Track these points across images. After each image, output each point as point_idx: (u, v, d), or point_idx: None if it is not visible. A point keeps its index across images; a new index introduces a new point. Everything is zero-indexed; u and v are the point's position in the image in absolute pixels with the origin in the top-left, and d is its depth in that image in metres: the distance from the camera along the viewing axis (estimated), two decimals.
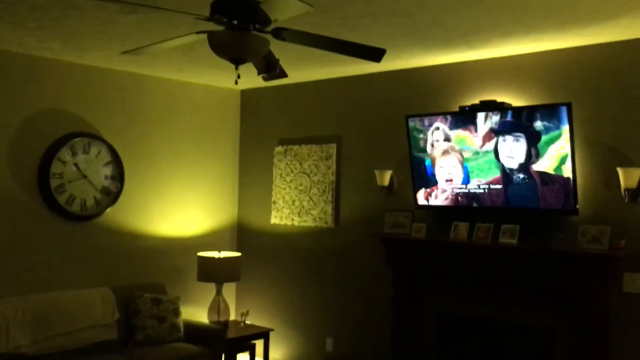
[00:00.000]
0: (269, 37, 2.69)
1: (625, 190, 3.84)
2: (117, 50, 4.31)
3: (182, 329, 5.02)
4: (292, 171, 5.75)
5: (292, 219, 5.71)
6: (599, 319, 3.89)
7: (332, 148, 5.45)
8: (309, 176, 5.61)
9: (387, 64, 4.76)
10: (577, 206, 3.96)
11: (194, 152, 5.87)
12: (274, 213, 5.87)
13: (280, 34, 2.67)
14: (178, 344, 4.92)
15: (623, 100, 3.93)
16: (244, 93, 6.25)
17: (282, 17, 2.48)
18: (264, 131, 6.05)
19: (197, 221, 5.88)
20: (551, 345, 4.12)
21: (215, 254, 5.49)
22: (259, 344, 5.43)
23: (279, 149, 5.87)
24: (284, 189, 5.80)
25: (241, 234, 6.16)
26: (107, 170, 5.17)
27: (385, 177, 4.95)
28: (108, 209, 5.18)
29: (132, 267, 5.34)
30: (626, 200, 3.85)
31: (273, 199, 5.89)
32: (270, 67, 2.76)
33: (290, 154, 5.76)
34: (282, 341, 5.65)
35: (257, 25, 2.64)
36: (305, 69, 5.04)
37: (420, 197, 4.67)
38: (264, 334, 5.41)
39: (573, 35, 3.86)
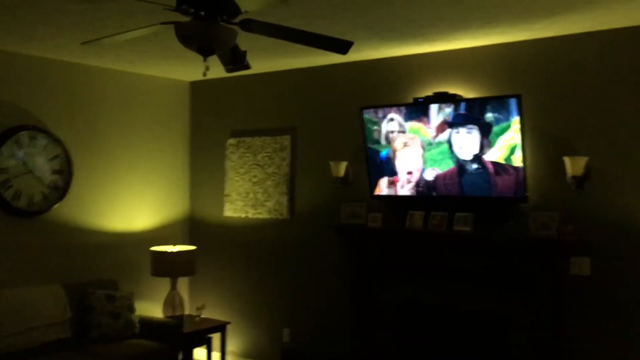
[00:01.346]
0: (236, 28, 2.68)
1: (571, 178, 4.03)
2: (68, 40, 4.18)
3: (137, 325, 4.94)
4: (245, 163, 5.73)
5: (247, 212, 5.69)
6: (550, 301, 4.09)
7: (287, 140, 5.46)
8: (263, 168, 5.61)
9: (343, 56, 4.80)
10: (527, 194, 4.13)
11: (144, 145, 5.76)
12: (227, 206, 5.84)
13: (248, 25, 2.66)
14: (134, 340, 4.84)
15: (569, 92, 4.12)
16: (194, 84, 6.18)
17: (254, 7, 2.47)
18: (215, 123, 6.00)
19: (148, 215, 5.78)
20: (507, 329, 4.28)
21: (169, 248, 5.42)
22: (216, 338, 5.41)
23: (231, 141, 5.83)
24: (237, 181, 5.77)
25: (194, 227, 6.10)
26: (55, 165, 5.02)
27: (341, 168, 5.00)
28: (56, 204, 5.03)
29: (83, 264, 5.21)
30: (573, 187, 4.04)
31: (226, 191, 5.85)
32: (237, 59, 2.75)
33: (244, 146, 5.74)
34: (239, 334, 5.65)
35: (224, 17, 2.62)
36: (259, 60, 5.02)
37: (384, 187, 4.71)
38: (221, 327, 5.38)
39: (523, 30, 4.00)
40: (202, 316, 5.50)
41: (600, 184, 3.99)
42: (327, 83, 5.22)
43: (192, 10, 2.60)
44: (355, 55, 4.76)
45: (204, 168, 6.07)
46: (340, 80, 5.15)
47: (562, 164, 4.07)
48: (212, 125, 6.02)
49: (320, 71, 5.27)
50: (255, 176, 5.66)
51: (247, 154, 5.71)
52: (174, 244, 5.63)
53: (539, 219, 4.12)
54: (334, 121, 5.19)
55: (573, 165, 4.02)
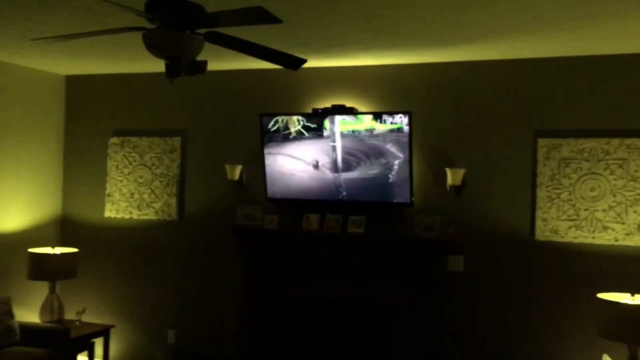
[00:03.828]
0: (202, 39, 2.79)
1: (451, 186, 4.64)
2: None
3: (17, 332, 4.65)
4: (130, 163, 5.63)
5: (131, 212, 5.60)
6: (430, 294, 4.64)
7: (177, 141, 5.48)
8: (150, 169, 5.56)
9: (241, 64, 4.96)
10: (413, 199, 4.66)
11: (12, 140, 5.37)
12: (108, 206, 5.68)
13: (213, 37, 2.79)
14: (16, 347, 4.56)
15: (452, 112, 4.72)
16: (70, 79, 5.91)
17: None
18: (95, 121, 5.80)
19: (18, 215, 5.42)
20: (393, 319, 4.76)
21: (49, 250, 5.16)
22: (98, 342, 5.25)
23: (114, 140, 5.69)
24: (121, 181, 5.65)
25: (68, 228, 5.82)
26: None
27: (236, 172, 5.16)
28: None
29: None
30: (452, 195, 4.64)
31: (107, 191, 5.69)
32: (197, 68, 2.85)
33: (129, 145, 5.63)
34: (123, 337, 5.52)
35: (191, 27, 2.72)
36: (148, 60, 4.94)
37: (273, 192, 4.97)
38: (104, 331, 5.24)
39: (416, 55, 4.51)
40: (83, 320, 5.30)
41: (475, 192, 4.63)
42: (222, 88, 5.33)
43: (159, 17, 2.66)
44: (255, 64, 4.93)
45: (81, 167, 5.83)
46: (236, 86, 5.30)
47: (444, 174, 4.65)
48: (91, 123, 5.81)
49: (215, 76, 5.32)
50: (141, 177, 5.58)
51: (133, 154, 5.61)
52: (46, 246, 5.35)
53: (423, 221, 4.67)
54: (228, 125, 5.32)
55: (453, 176, 4.62)
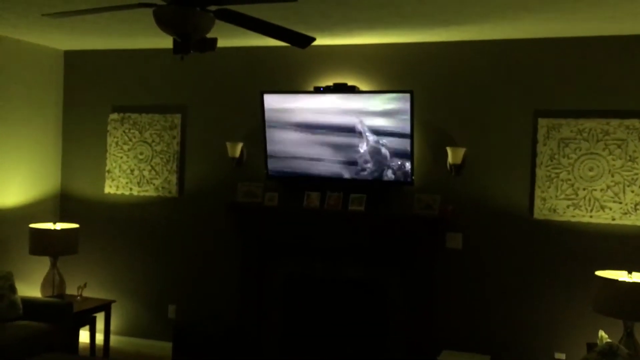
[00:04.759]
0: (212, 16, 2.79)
1: (452, 165, 4.68)
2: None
3: (20, 306, 4.69)
4: (130, 140, 5.62)
5: (131, 189, 5.61)
6: (429, 271, 4.71)
7: (177, 118, 5.48)
8: (150, 145, 5.56)
9: (243, 41, 4.95)
10: (413, 178, 4.70)
11: (10, 115, 5.34)
12: (108, 182, 5.69)
13: (223, 14, 2.79)
14: (19, 322, 4.59)
15: (453, 91, 4.74)
16: (68, 54, 5.87)
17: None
18: (94, 96, 5.78)
19: (18, 191, 5.42)
20: (385, 296, 4.83)
21: (50, 225, 5.18)
22: (100, 317, 5.30)
23: (114, 116, 5.67)
24: (121, 157, 5.65)
25: (68, 203, 5.83)
26: None
27: (237, 149, 5.18)
28: None
29: None
30: (452, 173, 4.69)
31: (107, 167, 5.69)
32: (208, 46, 2.85)
33: (129, 122, 5.62)
34: (124, 312, 5.58)
35: (200, 4, 2.72)
36: (147, 35, 4.93)
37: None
38: (106, 306, 5.29)
39: (419, 33, 4.51)
40: (84, 295, 5.34)
41: (475, 171, 4.68)
42: (223, 65, 5.31)
43: None
44: (257, 40, 4.93)
45: (80, 143, 5.82)
46: (238, 63, 5.29)
47: (444, 153, 4.69)
48: (90, 99, 5.79)
49: (216, 53, 5.30)
50: (141, 153, 5.59)
51: (133, 130, 5.61)
52: (46, 222, 5.37)
53: (423, 200, 4.72)
54: (229, 103, 5.32)
55: (453, 155, 4.67)
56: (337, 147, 4.82)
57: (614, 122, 4.35)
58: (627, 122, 4.32)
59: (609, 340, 3.51)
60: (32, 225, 5.14)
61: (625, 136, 4.32)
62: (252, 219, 5.12)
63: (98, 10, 2.76)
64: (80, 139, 5.82)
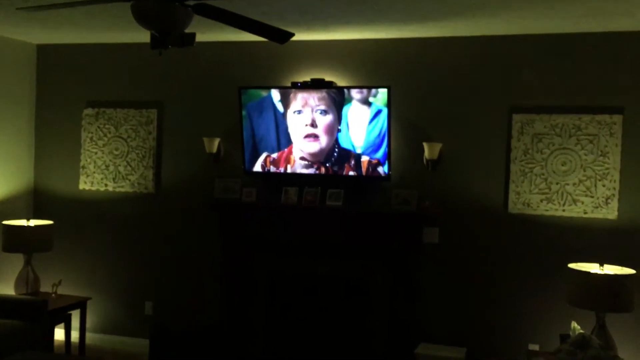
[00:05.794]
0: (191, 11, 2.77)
1: (428, 160, 4.73)
2: None
3: None
4: (105, 135, 5.57)
5: (106, 185, 5.56)
6: (406, 265, 4.76)
7: (153, 113, 5.44)
8: (126, 141, 5.51)
9: (219, 35, 4.93)
10: (390, 173, 4.74)
11: None
12: (82, 178, 5.63)
13: (202, 9, 2.78)
14: None
15: (429, 88, 4.79)
16: (41, 48, 5.77)
17: None
18: (67, 91, 5.70)
19: None
20: (367, 290, 4.87)
21: (23, 222, 5.10)
22: (75, 315, 5.24)
23: (88, 111, 5.61)
24: (96, 153, 5.59)
25: (41, 200, 5.75)
26: None
27: (214, 145, 5.16)
28: None
29: None
30: (429, 169, 4.74)
31: (82, 163, 5.63)
32: (186, 41, 2.84)
33: (104, 117, 5.56)
34: (99, 309, 5.53)
35: None
36: (122, 30, 4.89)
37: (258, 165, 4.99)
38: (81, 304, 5.23)
39: (396, 30, 4.55)
40: (59, 292, 5.28)
41: (451, 166, 4.73)
42: (199, 60, 5.28)
43: None
44: (234, 35, 4.91)
45: (53, 138, 5.74)
46: (214, 58, 5.26)
47: (421, 148, 4.74)
48: (64, 93, 5.71)
49: (192, 47, 5.27)
50: (117, 149, 5.53)
51: (108, 126, 5.55)
52: (19, 218, 5.29)
53: (400, 195, 4.76)
54: (206, 98, 5.30)
55: (430, 150, 4.71)
56: None
57: (586, 117, 4.44)
58: (599, 117, 4.41)
59: (581, 331, 3.60)
60: (6, 222, 5.07)
61: (597, 131, 4.42)
62: (231, 215, 5.11)
63: (74, 4, 2.73)
64: (54, 134, 5.74)
